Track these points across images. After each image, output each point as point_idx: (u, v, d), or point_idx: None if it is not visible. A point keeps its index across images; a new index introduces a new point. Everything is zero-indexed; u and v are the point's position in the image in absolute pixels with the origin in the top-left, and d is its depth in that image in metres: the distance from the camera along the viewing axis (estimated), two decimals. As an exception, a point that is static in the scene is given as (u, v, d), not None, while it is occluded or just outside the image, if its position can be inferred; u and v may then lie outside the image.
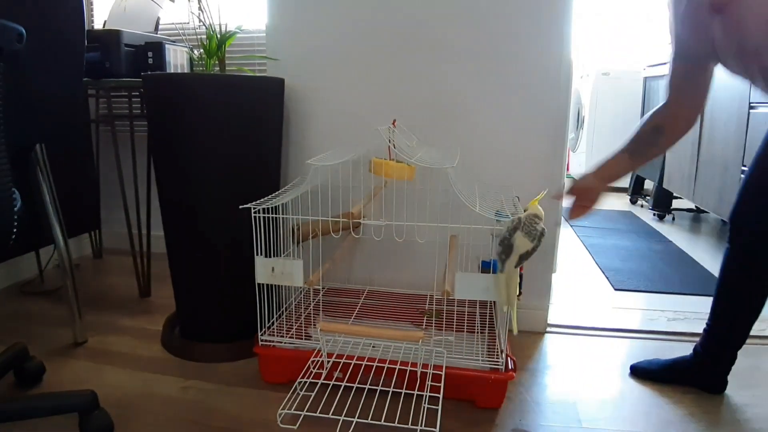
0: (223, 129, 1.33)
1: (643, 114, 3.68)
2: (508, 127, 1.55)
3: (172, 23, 2.27)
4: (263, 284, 1.26)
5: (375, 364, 1.12)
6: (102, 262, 2.40)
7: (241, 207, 1.19)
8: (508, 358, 1.22)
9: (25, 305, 1.85)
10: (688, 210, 3.49)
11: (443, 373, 1.10)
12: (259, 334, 1.30)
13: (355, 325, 1.24)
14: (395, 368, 1.11)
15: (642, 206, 3.72)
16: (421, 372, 1.14)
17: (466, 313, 1.51)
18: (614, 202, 3.84)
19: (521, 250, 1.07)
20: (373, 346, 1.19)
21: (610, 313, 1.85)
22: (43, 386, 1.33)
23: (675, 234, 2.96)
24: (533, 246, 1.07)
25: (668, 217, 3.34)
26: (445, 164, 1.14)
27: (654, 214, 3.35)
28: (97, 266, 2.33)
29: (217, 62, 1.51)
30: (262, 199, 1.24)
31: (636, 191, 3.76)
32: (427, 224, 1.14)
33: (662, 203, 3.29)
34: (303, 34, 1.62)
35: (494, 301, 1.49)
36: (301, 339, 1.33)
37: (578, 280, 2.16)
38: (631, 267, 2.32)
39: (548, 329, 1.70)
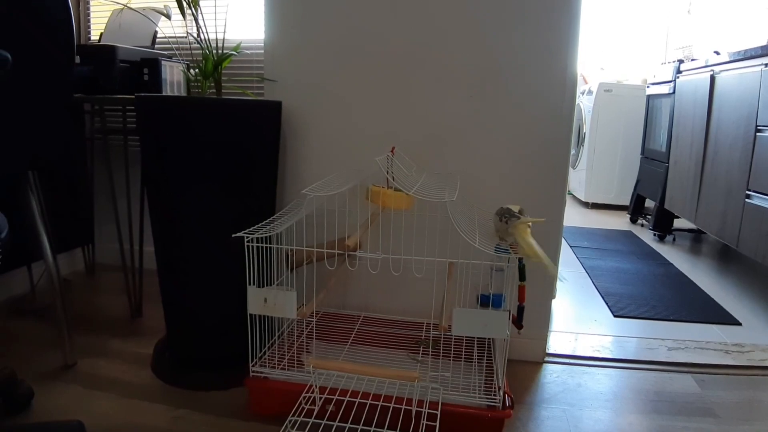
0: (217, 154, 1.30)
1: (645, 132, 3.66)
2: (509, 149, 1.53)
3: (170, 37, 2.25)
4: (256, 315, 1.23)
5: (369, 401, 1.09)
6: (94, 278, 2.36)
7: (233, 236, 1.16)
8: (506, 395, 1.19)
9: (15, 324, 1.81)
10: (689, 230, 3.46)
11: (438, 412, 1.07)
12: (251, 365, 1.26)
13: (348, 362, 1.20)
14: (389, 406, 1.07)
15: (642, 225, 3.69)
16: (416, 411, 1.10)
17: (463, 342, 1.48)
18: (614, 221, 3.81)
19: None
20: (368, 380, 1.16)
21: (610, 342, 1.81)
22: (31, 411, 1.29)
23: (675, 256, 2.93)
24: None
25: (668, 237, 3.31)
26: (444, 197, 1.11)
27: (654, 235, 3.32)
28: (89, 282, 2.29)
29: (212, 83, 1.49)
30: (255, 227, 1.21)
31: (636, 210, 3.73)
32: (424, 258, 1.11)
33: (663, 224, 3.26)
34: (302, 54, 1.60)
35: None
36: (294, 369, 1.29)
37: (577, 306, 2.12)
38: (631, 291, 2.29)
39: (546, 359, 1.67)
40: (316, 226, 1.36)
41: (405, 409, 1.07)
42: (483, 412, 1.16)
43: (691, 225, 3.45)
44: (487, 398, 1.19)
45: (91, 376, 1.48)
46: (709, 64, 2.70)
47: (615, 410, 1.40)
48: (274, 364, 1.30)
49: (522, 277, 1.23)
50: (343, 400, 1.11)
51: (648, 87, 3.67)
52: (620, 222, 3.80)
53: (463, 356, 1.40)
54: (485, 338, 1.51)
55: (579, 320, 1.98)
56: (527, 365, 1.62)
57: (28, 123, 1.28)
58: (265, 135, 1.40)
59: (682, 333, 1.89)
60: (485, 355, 1.44)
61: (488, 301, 1.21)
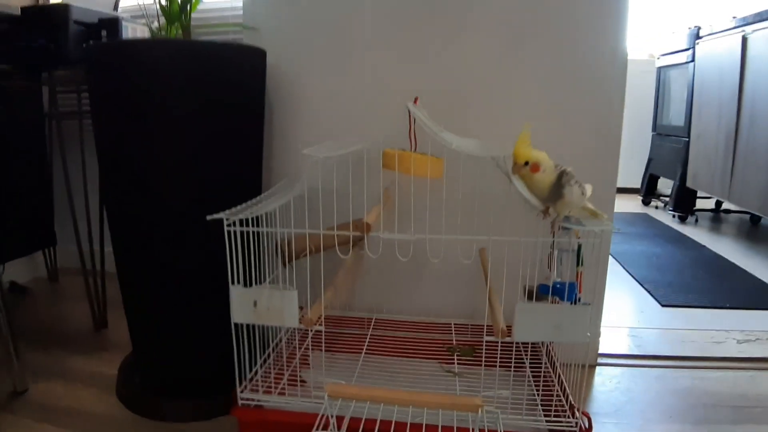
0: (189, 114, 0.99)
1: (657, 107, 3.40)
2: (552, 121, 1.23)
3: (135, 4, 1.91)
4: (243, 324, 0.92)
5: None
6: (57, 285, 2.03)
7: (209, 218, 0.85)
8: (583, 416, 0.89)
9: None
10: (711, 210, 3.21)
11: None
12: (238, 390, 0.95)
13: (378, 388, 0.90)
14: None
15: (657, 207, 3.43)
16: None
17: (498, 345, 1.18)
18: (625, 204, 3.54)
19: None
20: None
21: (668, 336, 1.53)
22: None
23: (704, 237, 2.67)
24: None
25: (690, 218, 3.05)
26: (492, 152, 0.82)
27: (674, 216, 3.06)
28: (51, 290, 1.97)
29: (180, 31, 1.17)
30: (238, 207, 0.90)
31: (649, 191, 3.47)
32: (474, 237, 0.81)
33: (684, 204, 2.99)
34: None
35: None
36: (296, 393, 0.99)
37: (617, 297, 1.84)
38: (671, 278, 2.01)
39: (600, 360, 1.38)
40: (309, 210, 1.04)
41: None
42: (555, 442, 0.86)
43: (710, 204, 3.21)
44: (558, 422, 0.89)
45: (45, 406, 1.17)
46: (738, 24, 2.44)
47: (700, 421, 1.11)
48: (269, 386, 0.99)
49: (580, 260, 0.94)
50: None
51: (658, 59, 3.41)
52: (632, 205, 3.54)
53: (513, 365, 1.10)
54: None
55: (623, 313, 1.69)
56: (575, 369, 1.33)
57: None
58: (249, 92, 1.09)
59: (746, 323, 1.62)
60: (530, 357, 1.15)
61: (548, 293, 0.92)
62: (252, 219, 0.87)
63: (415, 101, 0.95)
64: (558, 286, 0.88)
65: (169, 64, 0.96)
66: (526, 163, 0.81)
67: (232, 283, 0.87)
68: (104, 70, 1.00)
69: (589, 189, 0.88)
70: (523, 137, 0.81)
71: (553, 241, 0.90)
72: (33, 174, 1.86)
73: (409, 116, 0.96)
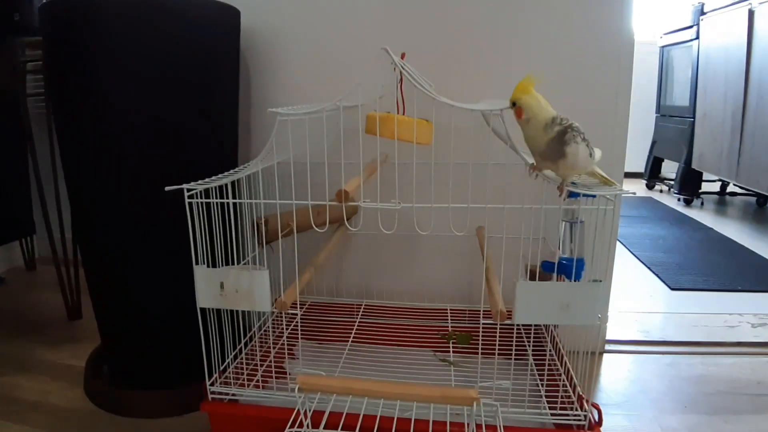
0: (152, 78, 0.89)
1: (660, 88, 3.29)
2: (556, 103, 1.13)
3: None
4: (210, 309, 0.82)
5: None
6: (34, 274, 1.93)
7: (168, 189, 0.74)
8: (593, 408, 0.79)
9: None
10: (717, 193, 3.12)
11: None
12: (207, 382, 0.85)
13: (356, 379, 0.80)
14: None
15: (661, 191, 3.32)
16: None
17: (497, 331, 1.09)
18: (629, 188, 3.42)
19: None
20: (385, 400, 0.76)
21: (678, 321, 1.43)
22: None
23: (710, 219, 2.57)
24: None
25: (696, 201, 2.95)
26: (496, 106, 0.71)
27: (679, 199, 2.96)
28: (27, 280, 1.86)
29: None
30: (204, 180, 0.79)
31: (653, 175, 3.36)
32: (468, 206, 0.71)
33: (690, 186, 2.89)
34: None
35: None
36: (272, 386, 0.89)
37: (624, 280, 1.74)
38: (679, 260, 1.91)
39: (607, 347, 1.28)
40: (283, 185, 0.93)
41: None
42: (562, 437, 0.77)
43: (714, 187, 3.11)
44: (564, 415, 0.80)
45: (5, 400, 1.08)
46: (746, -5, 2.33)
47: (717, 411, 1.02)
48: (243, 380, 0.89)
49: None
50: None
51: (661, 38, 3.30)
52: (636, 189, 3.40)
53: (514, 353, 1.00)
54: (529, 324, 1.11)
55: (631, 297, 1.60)
56: (582, 357, 1.24)
57: None
58: (220, 54, 0.99)
59: (759, 306, 1.53)
60: (532, 345, 1.05)
61: (553, 270, 0.81)
62: (218, 190, 0.77)
63: (402, 57, 0.84)
64: (564, 262, 0.78)
65: (129, 24, 0.86)
66: (514, 104, 0.70)
67: (196, 262, 0.77)
68: (57, 29, 0.89)
69: (598, 153, 0.78)
70: (526, 80, 0.70)
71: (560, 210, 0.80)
72: (9, 160, 1.75)
73: (400, 77, 0.86)
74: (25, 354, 1.28)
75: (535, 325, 1.12)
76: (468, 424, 0.72)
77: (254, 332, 1.05)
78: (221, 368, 0.89)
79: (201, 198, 0.76)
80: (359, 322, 1.18)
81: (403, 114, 0.89)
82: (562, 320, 0.71)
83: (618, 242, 2.17)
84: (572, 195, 0.74)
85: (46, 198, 1.51)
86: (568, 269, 0.77)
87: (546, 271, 0.81)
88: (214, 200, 0.76)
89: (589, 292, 0.70)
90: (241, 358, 0.96)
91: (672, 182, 3.09)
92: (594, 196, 0.72)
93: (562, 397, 0.84)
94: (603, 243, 0.73)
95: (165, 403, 1.02)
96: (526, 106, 0.68)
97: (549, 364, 0.96)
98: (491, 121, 0.87)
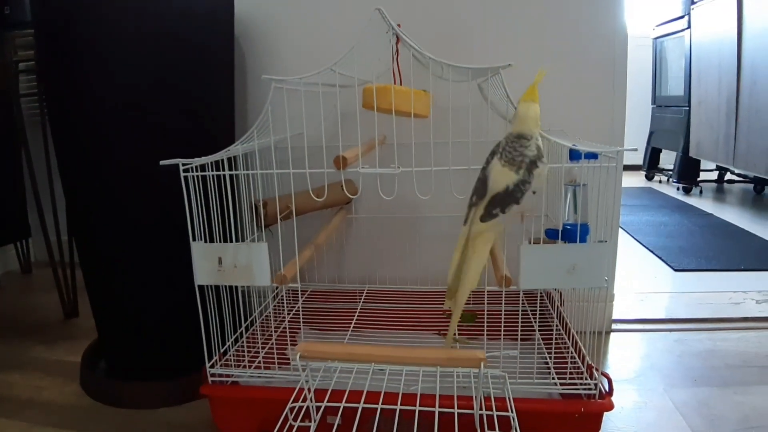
0: (146, 65, 0.87)
1: (655, 79, 3.29)
2: (554, 99, 1.12)
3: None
4: (208, 287, 0.80)
5: (397, 406, 0.66)
6: (30, 277, 1.91)
7: (162, 163, 0.73)
8: (603, 377, 0.78)
9: None
10: (715, 181, 3.11)
11: (512, 413, 0.65)
12: (207, 365, 0.83)
13: (363, 345, 0.78)
14: (433, 411, 0.66)
15: (660, 182, 3.32)
16: (479, 414, 0.69)
17: (502, 309, 1.07)
18: (629, 180, 3.42)
19: (496, 188, 0.67)
20: (389, 375, 0.74)
21: (684, 299, 1.42)
22: None
23: (710, 206, 2.56)
24: (518, 180, 0.66)
25: (695, 189, 2.94)
26: (498, 65, 0.70)
27: (678, 188, 2.95)
28: (23, 282, 1.85)
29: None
30: (201, 158, 0.78)
31: (652, 166, 3.35)
32: (469, 168, 0.69)
33: (688, 174, 2.88)
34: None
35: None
36: (273, 367, 0.87)
37: (628, 263, 1.73)
38: (681, 244, 1.90)
39: (614, 327, 1.27)
40: (282, 162, 0.91)
41: (458, 413, 0.65)
42: (573, 405, 0.75)
43: (713, 176, 3.11)
44: (572, 384, 0.78)
45: (2, 397, 1.06)
46: (735, -19, 2.33)
47: (727, 383, 1.00)
48: (245, 363, 0.87)
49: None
50: (356, 408, 0.68)
51: (653, 29, 3.30)
52: (635, 180, 3.42)
53: (520, 330, 0.98)
54: (537, 298, 1.09)
55: (635, 278, 1.58)
56: (591, 337, 1.22)
57: None
58: (215, 41, 0.97)
59: (763, 283, 1.51)
60: (538, 320, 1.03)
61: (556, 237, 0.80)
62: (214, 165, 0.75)
63: (398, 26, 0.83)
64: (568, 227, 0.77)
65: (119, 8, 0.84)
66: None
67: (193, 238, 0.75)
68: (49, 20, 0.88)
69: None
70: (532, 88, 0.70)
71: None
72: (2, 162, 1.73)
73: (396, 50, 0.85)
74: (20, 352, 1.26)
75: (542, 303, 1.10)
76: (476, 397, 0.70)
77: (255, 317, 1.03)
78: (221, 351, 0.87)
79: (197, 172, 0.75)
80: (362, 307, 1.16)
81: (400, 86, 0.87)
82: (568, 284, 0.70)
83: (620, 229, 2.16)
84: (574, 156, 0.73)
85: (42, 200, 1.50)
86: (572, 234, 0.75)
87: (549, 237, 0.80)
88: (210, 173, 0.75)
89: (594, 253, 0.69)
90: (242, 343, 0.94)
91: (670, 172, 3.09)
92: (596, 156, 0.71)
93: (570, 369, 0.82)
94: (606, 205, 0.72)
95: (164, 393, 1.00)
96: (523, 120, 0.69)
97: (557, 341, 0.94)
98: (488, 93, 0.86)
